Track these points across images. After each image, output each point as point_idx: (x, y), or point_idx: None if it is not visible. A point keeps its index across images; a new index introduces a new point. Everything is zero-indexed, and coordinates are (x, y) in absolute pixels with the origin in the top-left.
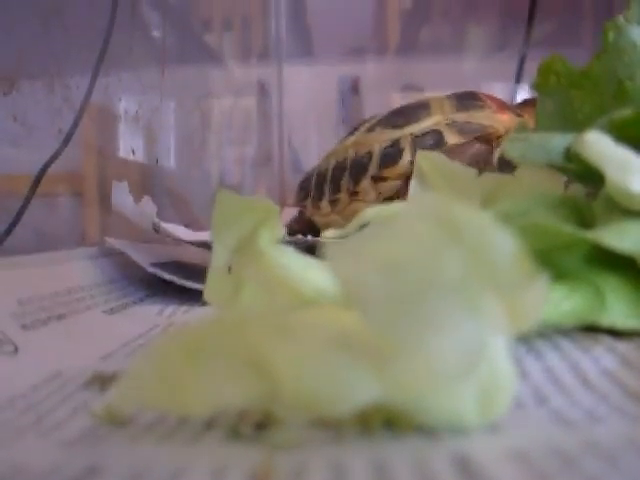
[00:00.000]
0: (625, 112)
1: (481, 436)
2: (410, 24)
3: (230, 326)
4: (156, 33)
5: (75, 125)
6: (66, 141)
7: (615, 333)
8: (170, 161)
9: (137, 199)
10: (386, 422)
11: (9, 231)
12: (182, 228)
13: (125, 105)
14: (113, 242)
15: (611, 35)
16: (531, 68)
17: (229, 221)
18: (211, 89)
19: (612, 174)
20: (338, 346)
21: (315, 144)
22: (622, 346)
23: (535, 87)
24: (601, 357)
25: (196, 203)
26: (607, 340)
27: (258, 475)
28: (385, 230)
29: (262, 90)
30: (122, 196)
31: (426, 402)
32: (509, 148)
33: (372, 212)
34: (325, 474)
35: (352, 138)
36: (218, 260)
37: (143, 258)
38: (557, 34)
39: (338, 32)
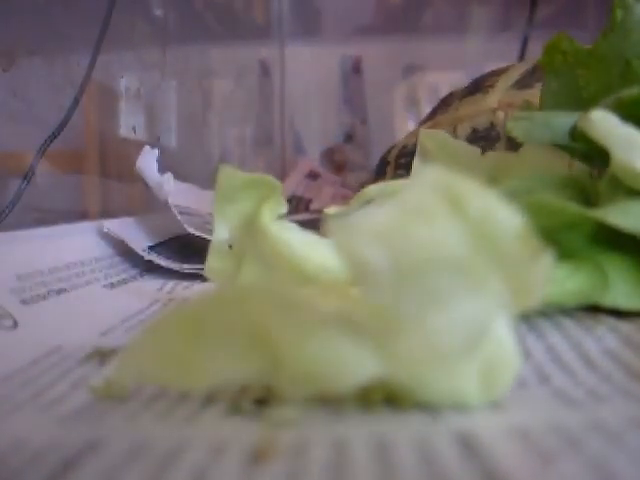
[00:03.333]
0: (633, 91)
1: (484, 414)
2: (413, 4)
3: (231, 301)
4: (158, 12)
5: (76, 102)
6: (67, 118)
7: (617, 313)
8: (171, 140)
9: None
10: (388, 399)
11: (11, 208)
12: (196, 191)
13: (127, 83)
14: (111, 227)
15: (619, 13)
16: (534, 49)
17: (231, 197)
18: (213, 68)
19: (618, 153)
20: (340, 323)
21: (317, 124)
22: (625, 326)
23: (541, 65)
24: (604, 337)
25: (197, 182)
26: (609, 320)
27: (258, 451)
28: (389, 205)
29: (264, 70)
30: (148, 162)
31: (428, 379)
32: (513, 127)
33: (376, 189)
34: (326, 450)
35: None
36: (219, 236)
37: (141, 239)
38: (560, 15)
39: (340, 12)
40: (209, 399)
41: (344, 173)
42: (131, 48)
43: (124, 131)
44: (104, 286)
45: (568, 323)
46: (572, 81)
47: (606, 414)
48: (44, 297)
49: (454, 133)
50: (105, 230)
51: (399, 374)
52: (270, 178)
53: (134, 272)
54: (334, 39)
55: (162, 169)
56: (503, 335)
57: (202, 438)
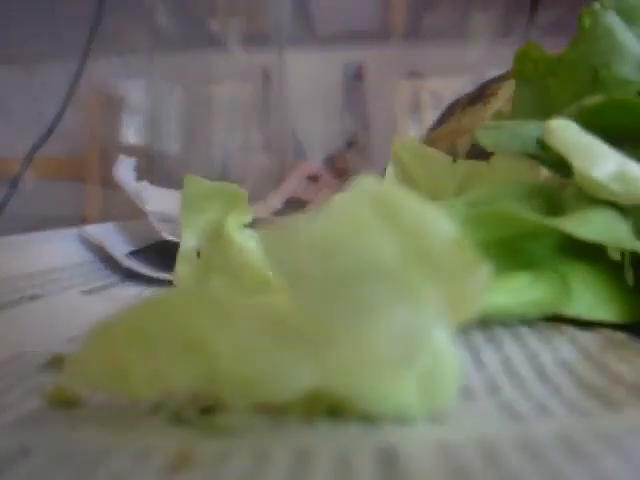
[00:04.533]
0: (595, 99)
1: (417, 427)
2: (415, 10)
3: (170, 308)
4: (160, 18)
5: (64, 108)
6: (54, 123)
7: (581, 324)
8: (171, 146)
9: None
10: (332, 410)
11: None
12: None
13: (127, 89)
14: (91, 233)
15: (587, 21)
16: None
17: (197, 206)
18: (213, 74)
19: (577, 162)
20: (277, 331)
21: (319, 130)
22: (585, 337)
23: (512, 75)
24: (561, 348)
25: None
26: (571, 331)
27: (177, 458)
28: (321, 214)
29: (265, 76)
30: (125, 171)
31: (365, 390)
32: (482, 136)
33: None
34: (246, 460)
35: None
36: (187, 244)
37: (123, 245)
38: (561, 20)
39: (342, 18)
40: (157, 407)
41: (345, 179)
42: (132, 54)
43: (125, 137)
44: (82, 292)
45: (528, 334)
46: (543, 90)
47: (540, 429)
48: (17, 303)
49: (454, 148)
50: (85, 236)
51: (336, 384)
52: (235, 187)
53: (115, 278)
54: (336, 45)
55: (161, 175)
56: (443, 346)
57: (128, 445)
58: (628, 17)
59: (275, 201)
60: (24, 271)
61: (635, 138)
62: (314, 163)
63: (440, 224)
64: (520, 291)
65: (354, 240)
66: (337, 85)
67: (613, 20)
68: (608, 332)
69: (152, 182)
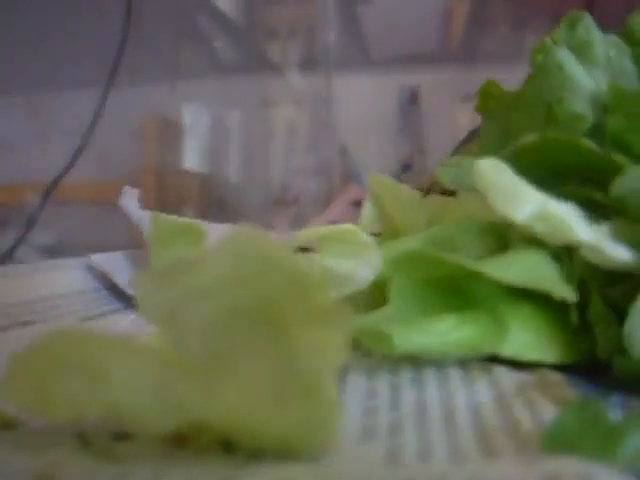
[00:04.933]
0: (528, 139)
1: (294, 465)
2: (471, 33)
3: (84, 339)
4: (217, 44)
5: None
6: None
7: (521, 364)
8: (227, 170)
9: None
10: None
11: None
12: None
13: (185, 114)
14: (97, 261)
15: (539, 57)
16: None
17: (165, 242)
18: (270, 99)
19: (499, 204)
20: (167, 367)
21: (374, 154)
22: (512, 379)
23: (477, 110)
24: (479, 391)
25: (252, 211)
26: (500, 372)
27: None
28: (195, 261)
29: (321, 99)
30: (130, 200)
31: (248, 426)
32: (440, 173)
33: (309, 233)
34: None
35: None
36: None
37: (128, 274)
38: None
39: (397, 42)
40: (80, 432)
41: None
42: (191, 79)
43: (181, 162)
44: (79, 319)
45: (455, 375)
46: (506, 125)
47: (412, 474)
48: (5, 329)
49: None
50: (91, 264)
51: (222, 419)
52: (198, 224)
53: (118, 306)
54: (391, 69)
55: (213, 199)
56: (323, 388)
57: (9, 468)
58: (579, 52)
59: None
60: (20, 298)
61: (576, 176)
62: (361, 188)
63: (306, 273)
64: (445, 332)
65: (227, 286)
66: (392, 108)
67: (564, 55)
68: (544, 373)
69: (210, 205)
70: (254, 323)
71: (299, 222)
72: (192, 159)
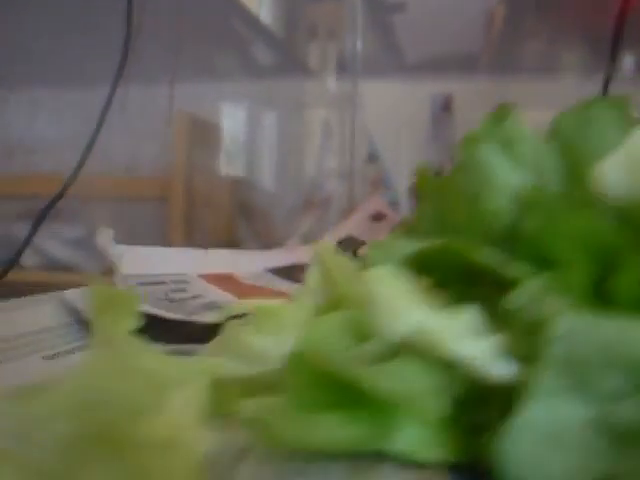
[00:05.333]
0: (433, 243)
1: None
2: (507, 44)
3: None
4: (252, 47)
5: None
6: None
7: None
8: (259, 172)
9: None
10: None
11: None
12: (160, 252)
13: (218, 115)
14: (70, 296)
15: (463, 153)
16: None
17: (105, 310)
18: (303, 103)
19: (377, 319)
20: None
21: (405, 160)
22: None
23: (412, 191)
24: None
25: (280, 214)
26: (384, 470)
27: None
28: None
29: (353, 104)
30: (106, 240)
31: None
32: (369, 254)
33: (245, 305)
34: None
35: None
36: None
37: None
38: None
39: (431, 48)
40: None
41: None
42: (223, 80)
43: (217, 164)
44: (43, 357)
45: (338, 470)
46: (440, 208)
47: None
48: None
49: None
50: (64, 299)
51: None
52: (129, 293)
53: (88, 341)
54: (424, 76)
55: (251, 202)
56: None
57: None
58: (505, 147)
59: (331, 240)
60: None
61: (485, 278)
62: (382, 201)
63: (176, 369)
64: (333, 429)
65: (78, 409)
66: (424, 116)
67: (485, 152)
68: (429, 473)
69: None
70: (101, 446)
71: (322, 226)
72: (225, 160)
